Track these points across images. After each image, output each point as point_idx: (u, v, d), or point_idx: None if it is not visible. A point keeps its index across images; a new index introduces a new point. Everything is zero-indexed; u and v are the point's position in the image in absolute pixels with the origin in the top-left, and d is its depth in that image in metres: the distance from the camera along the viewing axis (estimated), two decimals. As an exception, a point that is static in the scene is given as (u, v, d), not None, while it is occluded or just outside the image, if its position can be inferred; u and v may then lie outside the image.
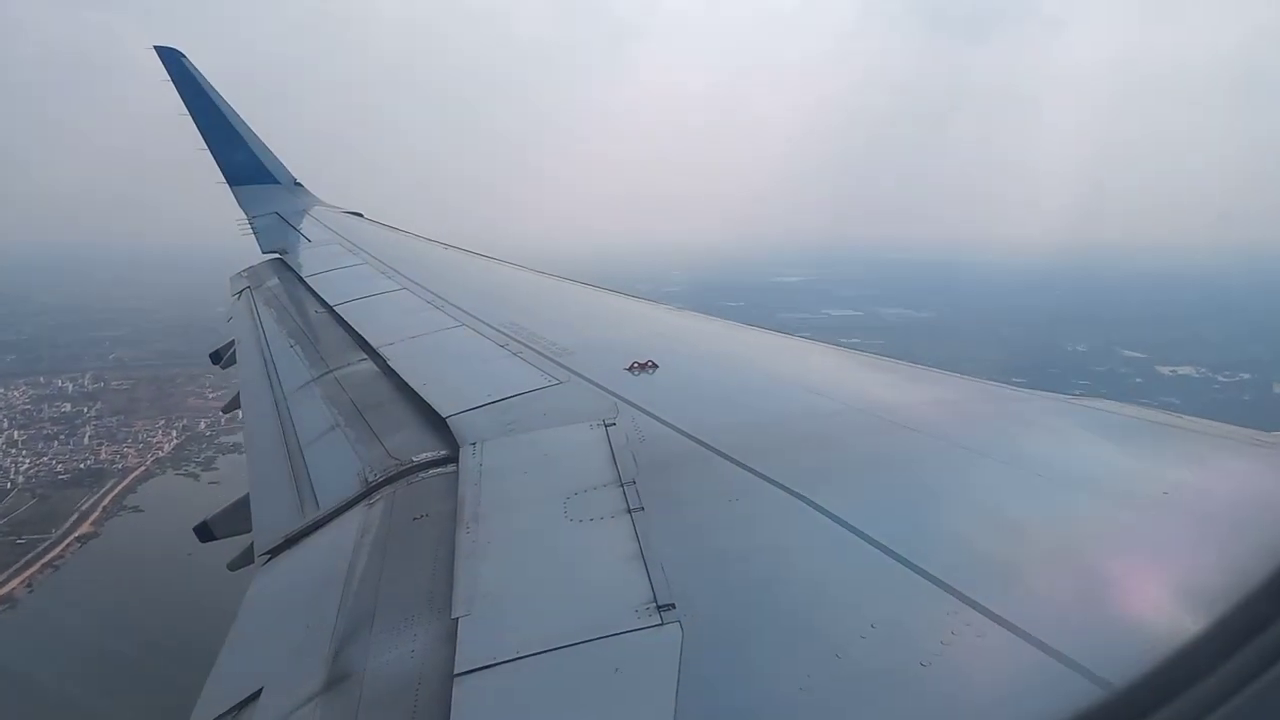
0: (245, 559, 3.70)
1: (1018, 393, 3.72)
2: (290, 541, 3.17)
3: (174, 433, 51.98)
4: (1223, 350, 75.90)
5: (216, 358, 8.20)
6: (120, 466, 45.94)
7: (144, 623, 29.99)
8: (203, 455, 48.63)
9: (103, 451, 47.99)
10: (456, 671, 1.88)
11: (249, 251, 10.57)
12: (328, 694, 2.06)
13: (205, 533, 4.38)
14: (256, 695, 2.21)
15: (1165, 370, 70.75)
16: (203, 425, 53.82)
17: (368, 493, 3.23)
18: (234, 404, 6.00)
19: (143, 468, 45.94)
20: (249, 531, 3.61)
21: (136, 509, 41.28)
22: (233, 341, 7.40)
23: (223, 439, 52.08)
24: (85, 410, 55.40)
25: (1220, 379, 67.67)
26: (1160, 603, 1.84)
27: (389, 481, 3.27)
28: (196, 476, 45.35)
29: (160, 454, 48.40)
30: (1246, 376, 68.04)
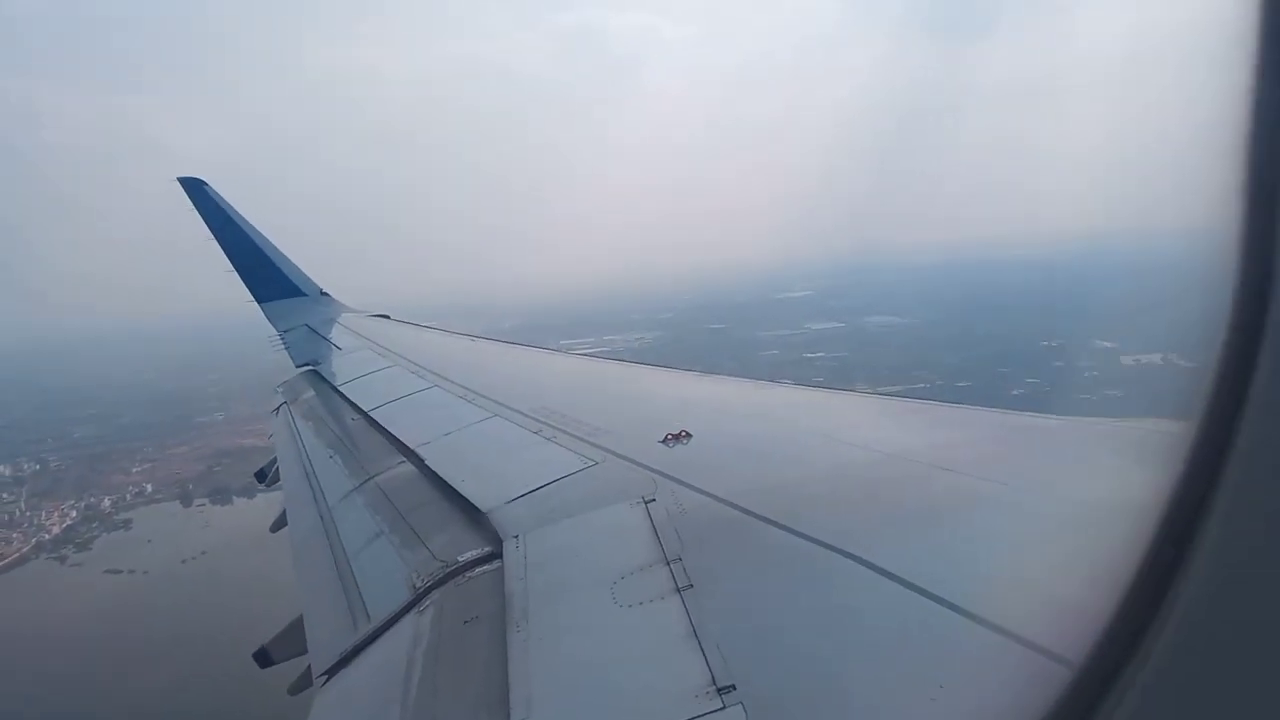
0: (304, 681, 3.63)
1: (1045, 420, 3.81)
2: (345, 660, 3.13)
3: (74, 513, 52.42)
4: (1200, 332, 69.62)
5: (262, 476, 8.38)
6: (-3, 553, 46.20)
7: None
8: (86, 536, 48.76)
9: (-10, 538, 48.40)
10: None
11: (256, 317, 11.78)
12: None
13: (264, 658, 4.34)
14: None
15: (1128, 360, 65.02)
16: (106, 503, 54.31)
17: (417, 600, 3.21)
18: (281, 522, 6.04)
19: (18, 554, 46.17)
20: (305, 653, 3.57)
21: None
22: (275, 459, 7.52)
23: (121, 515, 52.41)
24: (5, 496, 56.57)
25: (1186, 364, 61.75)
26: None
27: (437, 585, 3.24)
28: (63, 560, 45.34)
29: (45, 537, 48.68)
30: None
